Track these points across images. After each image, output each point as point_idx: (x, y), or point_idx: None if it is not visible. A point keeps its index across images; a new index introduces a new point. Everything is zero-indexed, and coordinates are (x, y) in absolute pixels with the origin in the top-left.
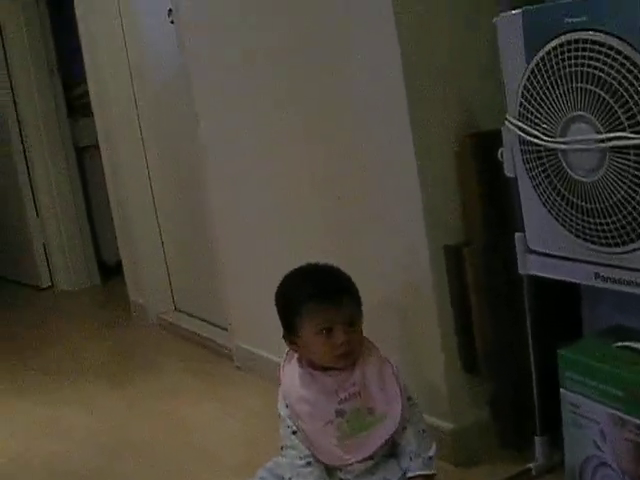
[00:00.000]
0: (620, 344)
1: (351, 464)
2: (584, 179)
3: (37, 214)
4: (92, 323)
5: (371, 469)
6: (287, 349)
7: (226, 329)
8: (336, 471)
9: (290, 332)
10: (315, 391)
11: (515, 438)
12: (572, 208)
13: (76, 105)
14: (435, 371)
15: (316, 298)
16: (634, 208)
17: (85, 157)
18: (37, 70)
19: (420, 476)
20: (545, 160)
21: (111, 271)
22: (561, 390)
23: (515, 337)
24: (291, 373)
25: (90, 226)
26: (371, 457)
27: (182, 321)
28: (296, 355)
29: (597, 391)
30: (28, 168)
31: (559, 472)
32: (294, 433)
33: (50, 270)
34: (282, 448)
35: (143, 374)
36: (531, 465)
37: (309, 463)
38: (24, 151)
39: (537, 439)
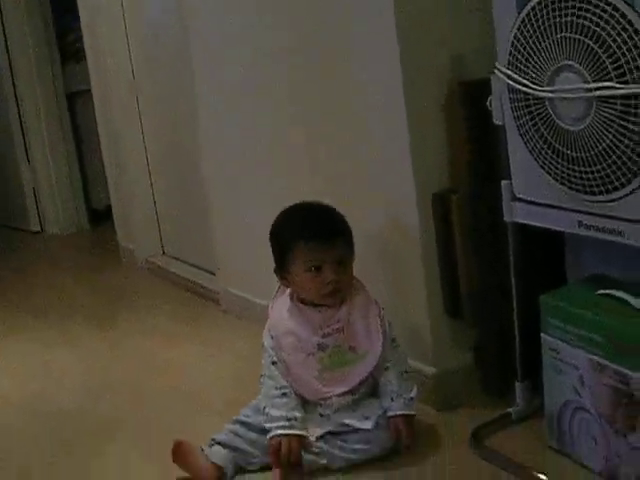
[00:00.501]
0: (602, 292)
1: (330, 397)
2: (571, 127)
3: (28, 160)
4: (80, 267)
5: (351, 405)
6: (278, 285)
7: (214, 274)
8: (316, 407)
9: (281, 267)
10: (300, 324)
11: (497, 384)
12: (558, 156)
13: (68, 51)
14: (419, 315)
15: (308, 236)
16: (618, 157)
17: (76, 102)
18: (30, 17)
19: (400, 416)
20: (533, 108)
21: (100, 216)
22: (542, 335)
23: (499, 284)
24: (280, 306)
25: (80, 171)
26: (351, 392)
27: (170, 265)
28: (288, 290)
29: (577, 337)
30: (20, 114)
31: (538, 417)
32: (274, 363)
33: (40, 215)
34: (261, 376)
35: (130, 316)
36: (511, 410)
37: (285, 394)
38: (16, 97)
39: (517, 384)
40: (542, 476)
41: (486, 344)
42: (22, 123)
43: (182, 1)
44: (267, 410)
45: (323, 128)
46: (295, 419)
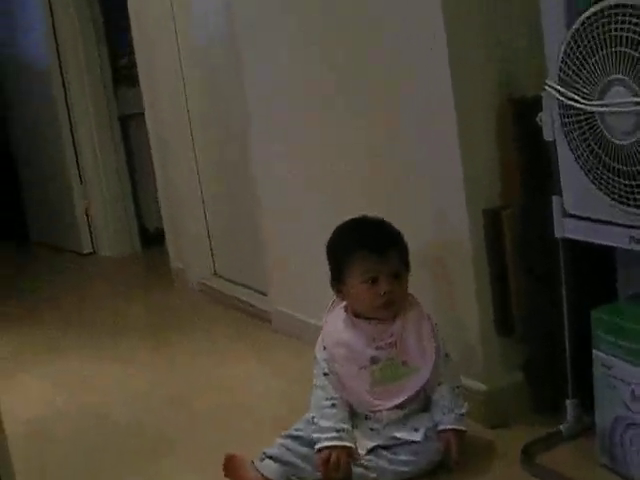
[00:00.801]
0: None
1: (380, 411)
2: (621, 142)
3: (81, 181)
4: (133, 288)
5: (401, 419)
6: (332, 299)
7: (265, 294)
8: (366, 420)
9: (337, 280)
10: (354, 336)
11: (548, 401)
12: (609, 171)
13: (121, 75)
14: (471, 333)
15: (364, 247)
16: None
17: (129, 125)
18: (85, 40)
19: (452, 430)
20: (583, 123)
21: (152, 238)
22: (593, 351)
23: (550, 300)
24: (334, 319)
25: (133, 194)
26: (401, 407)
27: (222, 286)
28: (342, 304)
29: (629, 351)
30: (73, 135)
31: (590, 435)
32: (325, 375)
33: (92, 236)
34: (313, 388)
35: (183, 335)
36: (561, 427)
37: (334, 405)
38: (69, 119)
39: (568, 402)
40: None
41: (536, 361)
42: (75, 145)
43: (234, 26)
44: (316, 420)
45: (374, 148)
46: (344, 431)
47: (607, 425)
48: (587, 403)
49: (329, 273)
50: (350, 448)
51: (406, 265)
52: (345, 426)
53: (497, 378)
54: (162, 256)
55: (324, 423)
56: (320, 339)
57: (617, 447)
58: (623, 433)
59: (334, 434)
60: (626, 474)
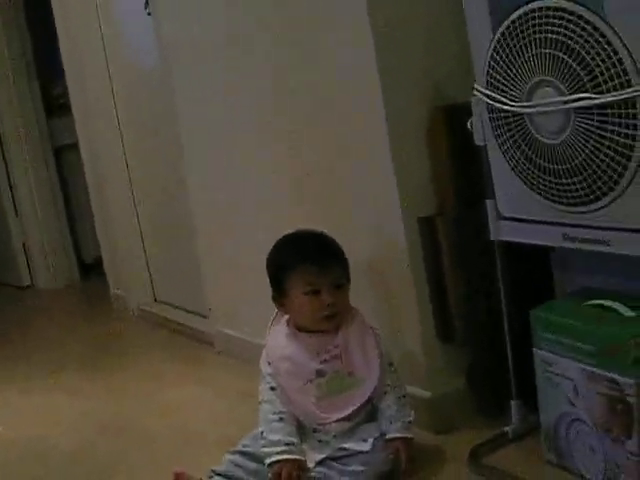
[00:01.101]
0: (591, 302)
1: (328, 424)
2: (550, 141)
3: (16, 213)
4: (73, 318)
5: (349, 431)
6: (274, 313)
7: (206, 317)
8: (314, 433)
9: (279, 293)
10: (298, 350)
11: (492, 404)
12: (540, 170)
13: (55, 105)
14: (412, 340)
15: (305, 260)
16: (598, 166)
17: (63, 156)
18: (15, 71)
19: (399, 439)
20: (513, 126)
21: (90, 269)
22: (534, 350)
23: (489, 304)
24: (276, 333)
25: (69, 225)
26: (348, 419)
27: (163, 311)
28: (285, 317)
29: (569, 348)
30: (7, 167)
31: (535, 434)
32: (272, 389)
33: (30, 269)
34: (260, 403)
35: (125, 361)
36: (507, 428)
37: (282, 419)
38: (2, 151)
39: (513, 403)
40: None
41: (478, 365)
42: (10, 178)
43: (165, 45)
44: (265, 435)
45: (306, 160)
46: (293, 444)
47: (552, 422)
48: (531, 403)
49: (270, 288)
50: (300, 461)
51: (347, 277)
52: (294, 440)
53: (441, 384)
54: (101, 286)
55: (273, 437)
56: (264, 354)
57: (562, 443)
58: (568, 429)
59: (284, 447)
60: (572, 468)
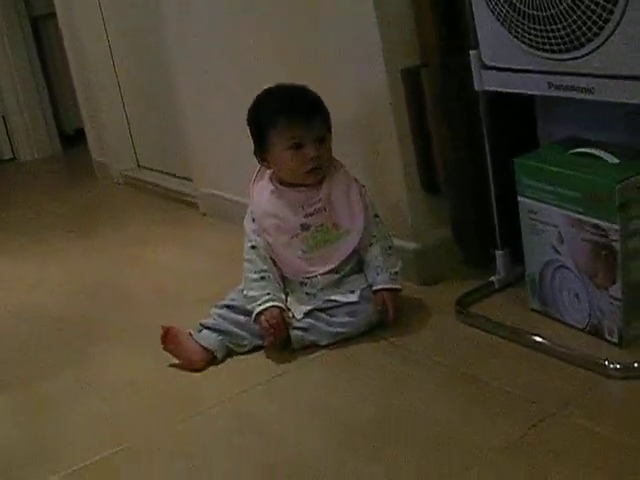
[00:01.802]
0: (575, 150)
1: (315, 276)
2: None
3: None
4: (57, 187)
5: (336, 283)
6: (258, 167)
7: (190, 179)
8: (302, 286)
9: (261, 148)
10: (282, 205)
11: (477, 255)
12: (524, 18)
13: None
14: (397, 192)
15: (287, 114)
16: (583, 12)
17: (40, 26)
18: None
19: (386, 289)
20: None
21: (71, 140)
22: (518, 198)
23: (473, 155)
24: (260, 189)
25: (49, 97)
26: (335, 271)
27: (146, 176)
28: (267, 172)
29: (554, 195)
30: None
31: (521, 284)
32: (253, 248)
33: (11, 142)
34: (244, 261)
35: (108, 226)
36: (493, 278)
37: (262, 277)
38: None
39: (498, 253)
40: (532, 336)
41: (464, 216)
42: None
43: None
44: (246, 292)
45: (289, 16)
46: (275, 295)
47: (537, 270)
48: (517, 253)
49: (252, 142)
50: (282, 309)
51: (329, 129)
52: (276, 293)
53: (426, 235)
54: (83, 156)
55: (254, 293)
56: (248, 211)
57: (547, 290)
58: (552, 276)
59: (266, 297)
60: (555, 315)
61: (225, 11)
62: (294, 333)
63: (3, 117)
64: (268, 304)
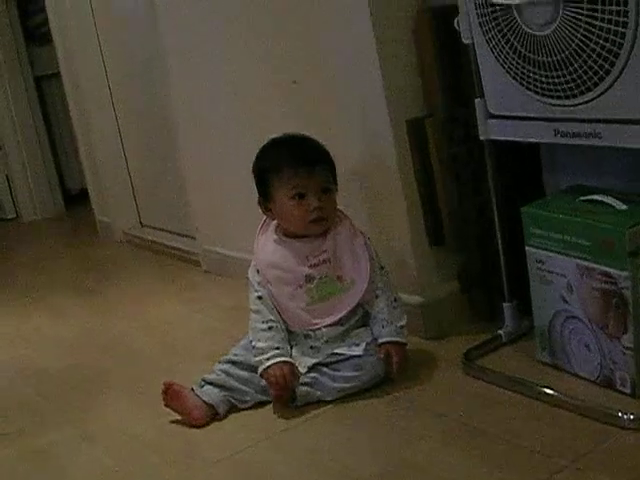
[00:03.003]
0: (583, 198)
1: (319, 329)
2: (539, 33)
3: None
4: (59, 245)
5: (341, 336)
6: (263, 219)
7: (193, 237)
8: (306, 339)
9: (265, 198)
10: (286, 256)
11: (485, 308)
12: (529, 64)
13: (33, 34)
14: (402, 246)
15: (291, 164)
16: (588, 56)
17: (44, 86)
18: None
19: (392, 343)
20: (501, 20)
21: (75, 200)
22: (526, 248)
23: (479, 206)
24: (264, 241)
25: (52, 156)
26: (340, 323)
27: (149, 234)
28: (272, 223)
29: (562, 244)
30: None
31: (529, 337)
32: (259, 298)
33: (14, 201)
34: (250, 313)
35: (111, 284)
36: (500, 331)
37: (270, 328)
38: None
39: (505, 305)
40: (543, 388)
41: (471, 268)
42: None
43: None
44: (254, 343)
45: (291, 68)
46: (283, 348)
47: (546, 322)
48: (525, 306)
49: (256, 192)
50: (292, 364)
51: (334, 181)
52: (284, 346)
53: (432, 289)
54: (87, 215)
55: (262, 344)
56: (253, 262)
57: (556, 342)
58: (562, 327)
59: (274, 352)
60: (567, 367)
61: (229, 64)
62: (300, 389)
63: (7, 176)
64: (277, 359)
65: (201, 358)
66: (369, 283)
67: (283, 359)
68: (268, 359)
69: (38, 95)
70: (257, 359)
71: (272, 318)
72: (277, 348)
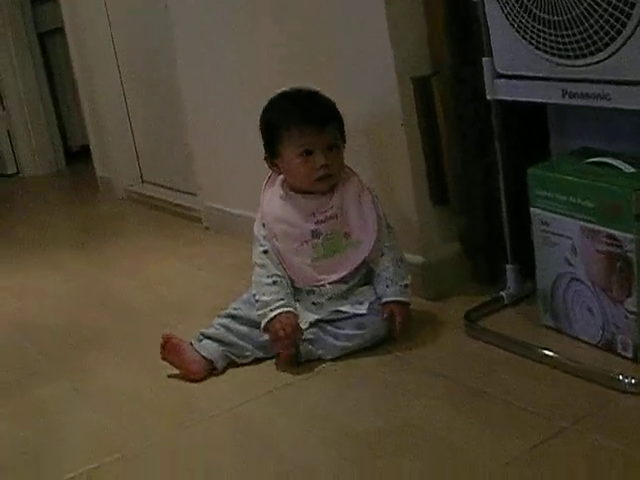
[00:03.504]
0: (590, 160)
1: (323, 285)
2: None
3: (1, 102)
4: (60, 202)
5: (344, 293)
6: (269, 173)
7: (194, 194)
8: (309, 295)
9: (272, 153)
10: (292, 211)
11: (487, 269)
12: (539, 23)
13: None
14: (406, 204)
15: (299, 121)
16: (600, 16)
17: (47, 43)
18: None
19: (395, 302)
20: None
21: (76, 156)
22: (531, 209)
23: (484, 167)
24: (271, 195)
25: (55, 112)
26: (344, 280)
27: (150, 191)
28: (279, 178)
29: (568, 205)
30: None
31: (531, 300)
32: (265, 252)
33: (15, 157)
34: (253, 267)
35: (112, 240)
36: (502, 293)
37: (275, 282)
38: None
39: (508, 267)
40: (544, 351)
41: (474, 229)
42: None
43: None
44: (258, 297)
45: (298, 22)
46: (289, 301)
47: (549, 284)
48: (527, 269)
49: (261, 149)
50: (297, 316)
51: (342, 137)
52: (289, 299)
53: (434, 250)
54: (88, 172)
55: (266, 298)
56: (259, 216)
57: (559, 305)
58: (565, 290)
59: (281, 302)
60: (568, 330)
61: (234, 25)
62: (303, 345)
63: (8, 132)
64: (283, 309)
65: (201, 315)
66: (376, 241)
67: (289, 309)
68: (272, 310)
69: (41, 51)
70: (260, 312)
71: (277, 273)
72: (282, 299)
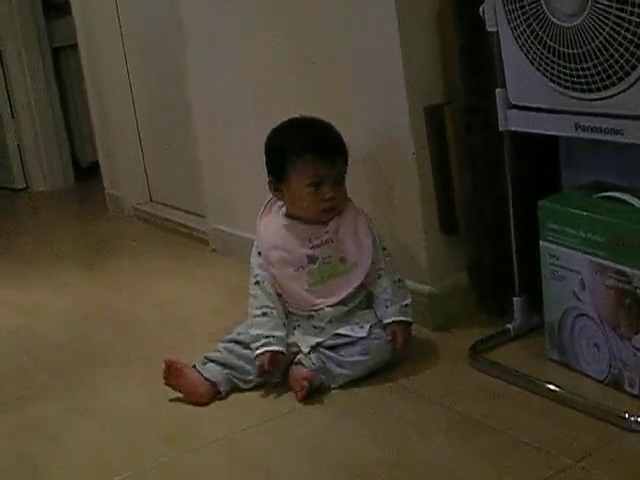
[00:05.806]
0: (600, 194)
1: (322, 309)
2: (567, 24)
3: (12, 115)
4: (68, 218)
5: (344, 317)
6: (266, 201)
7: (202, 216)
8: (309, 320)
9: (277, 178)
10: (289, 238)
11: (494, 302)
12: (554, 55)
13: (52, 5)
14: (414, 233)
15: (313, 151)
16: (616, 50)
17: (61, 58)
18: None
19: (396, 322)
20: (527, 8)
21: (85, 172)
22: (540, 242)
23: (495, 198)
24: (267, 222)
25: (65, 128)
26: (343, 303)
27: (158, 210)
28: (276, 205)
29: (577, 239)
30: (4, 68)
31: (538, 333)
32: (257, 283)
33: (25, 172)
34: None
35: (118, 259)
36: (509, 326)
37: (264, 314)
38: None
39: (515, 299)
40: (549, 385)
41: (482, 260)
42: (6, 79)
43: None
44: (249, 330)
45: (311, 49)
46: (274, 337)
47: (556, 318)
48: (535, 301)
49: (266, 172)
50: (278, 352)
51: (346, 169)
52: (275, 333)
53: (441, 279)
54: (96, 189)
55: (254, 332)
56: (255, 244)
57: (566, 339)
58: (573, 324)
59: (263, 341)
60: (575, 365)
61: (248, 47)
62: (314, 378)
63: (18, 146)
64: (263, 349)
65: (204, 337)
66: (372, 264)
67: (269, 348)
68: (257, 347)
69: (54, 67)
70: (252, 346)
71: (267, 304)
72: (267, 337)
